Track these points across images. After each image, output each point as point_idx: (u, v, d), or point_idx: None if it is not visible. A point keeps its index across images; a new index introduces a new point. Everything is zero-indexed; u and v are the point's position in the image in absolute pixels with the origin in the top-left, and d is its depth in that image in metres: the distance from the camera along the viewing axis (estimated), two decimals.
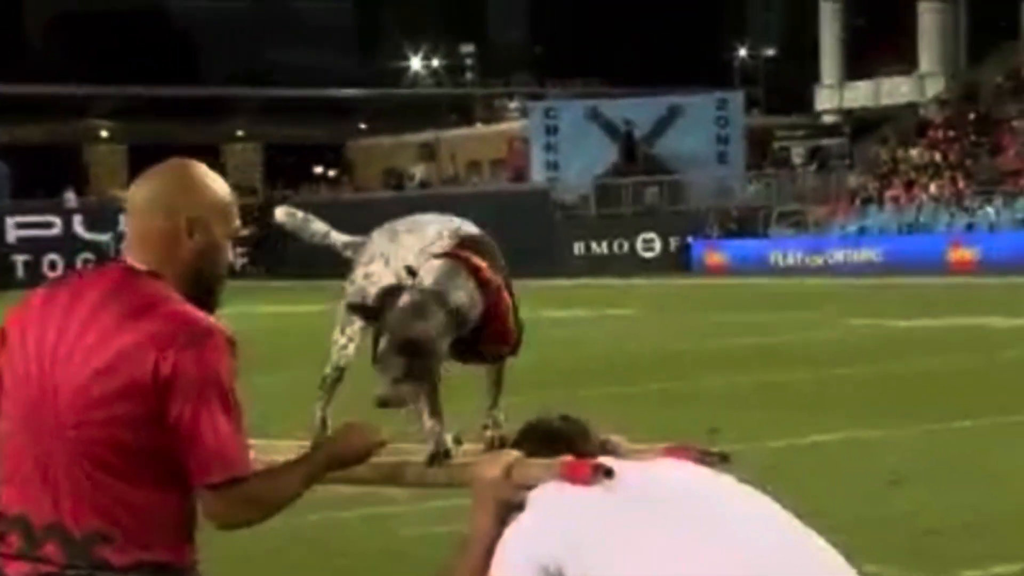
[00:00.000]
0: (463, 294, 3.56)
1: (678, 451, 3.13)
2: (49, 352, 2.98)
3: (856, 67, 54.29)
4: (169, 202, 3.07)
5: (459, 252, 3.64)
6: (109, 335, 2.94)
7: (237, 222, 3.19)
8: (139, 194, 3.11)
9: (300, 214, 4.30)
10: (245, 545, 7.87)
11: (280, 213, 4.29)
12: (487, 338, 3.67)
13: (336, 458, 3.18)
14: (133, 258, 3.07)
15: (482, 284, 3.60)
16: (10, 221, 46.49)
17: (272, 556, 7.77)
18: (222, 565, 7.61)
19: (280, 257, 48.10)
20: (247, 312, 30.28)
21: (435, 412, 3.65)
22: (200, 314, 3.00)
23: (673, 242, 42.82)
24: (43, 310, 3.05)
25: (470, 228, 3.82)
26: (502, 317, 3.67)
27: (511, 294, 3.70)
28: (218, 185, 3.18)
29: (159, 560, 2.96)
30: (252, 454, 3.07)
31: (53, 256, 45.94)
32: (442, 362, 3.61)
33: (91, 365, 2.93)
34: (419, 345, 3.46)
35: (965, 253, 36.72)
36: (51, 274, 43.68)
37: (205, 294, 3.09)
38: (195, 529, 3.03)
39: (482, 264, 3.63)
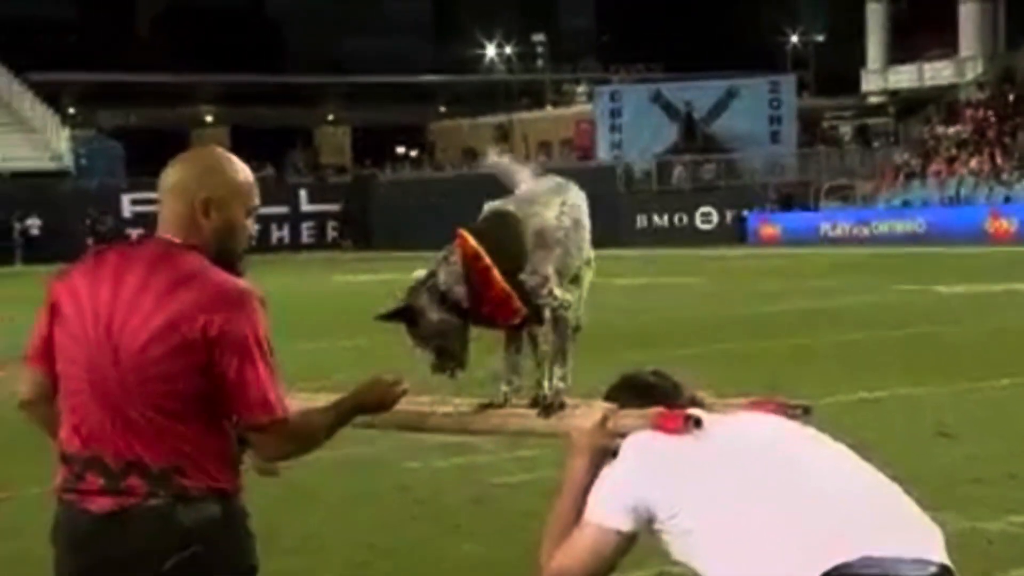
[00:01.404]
0: (445, 274, 3.77)
1: (763, 404, 3.10)
2: (106, 317, 3.17)
3: (900, 51, 53.89)
4: (188, 185, 3.25)
5: (464, 234, 3.84)
6: (161, 301, 3.14)
7: (254, 201, 3.34)
8: (166, 179, 3.29)
9: (507, 160, 4.33)
10: (348, 490, 7.95)
11: (492, 156, 4.31)
12: (485, 310, 3.83)
13: (361, 405, 3.41)
14: (167, 234, 3.26)
15: (468, 265, 3.76)
16: (126, 198, 46.90)
17: (371, 500, 7.85)
18: (323, 510, 7.67)
19: (366, 231, 48.33)
20: (346, 280, 30.40)
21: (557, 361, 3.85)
22: (236, 280, 3.21)
23: (729, 215, 42.67)
24: (93, 279, 3.24)
25: (505, 206, 3.98)
26: (490, 294, 3.80)
27: (532, 272, 3.83)
28: (234, 168, 3.33)
29: (222, 487, 3.19)
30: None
31: None
32: (454, 327, 3.80)
33: (148, 328, 3.13)
34: (412, 314, 3.79)
35: (1003, 224, 36.48)
36: None
37: (227, 266, 3.25)
38: (239, 460, 3.29)
39: (474, 248, 3.79)
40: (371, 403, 3.44)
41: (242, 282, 3.22)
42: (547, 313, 3.87)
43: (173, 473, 3.15)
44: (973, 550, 5.84)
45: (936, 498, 4.69)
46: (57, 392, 3.27)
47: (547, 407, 3.70)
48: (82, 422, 3.21)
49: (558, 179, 4.10)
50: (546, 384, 3.80)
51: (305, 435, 3.31)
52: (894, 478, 2.93)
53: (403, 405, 3.80)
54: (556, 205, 3.94)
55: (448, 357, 3.80)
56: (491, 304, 3.80)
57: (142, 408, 3.16)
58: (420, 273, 3.88)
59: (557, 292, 3.83)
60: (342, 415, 3.39)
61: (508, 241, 3.81)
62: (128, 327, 3.17)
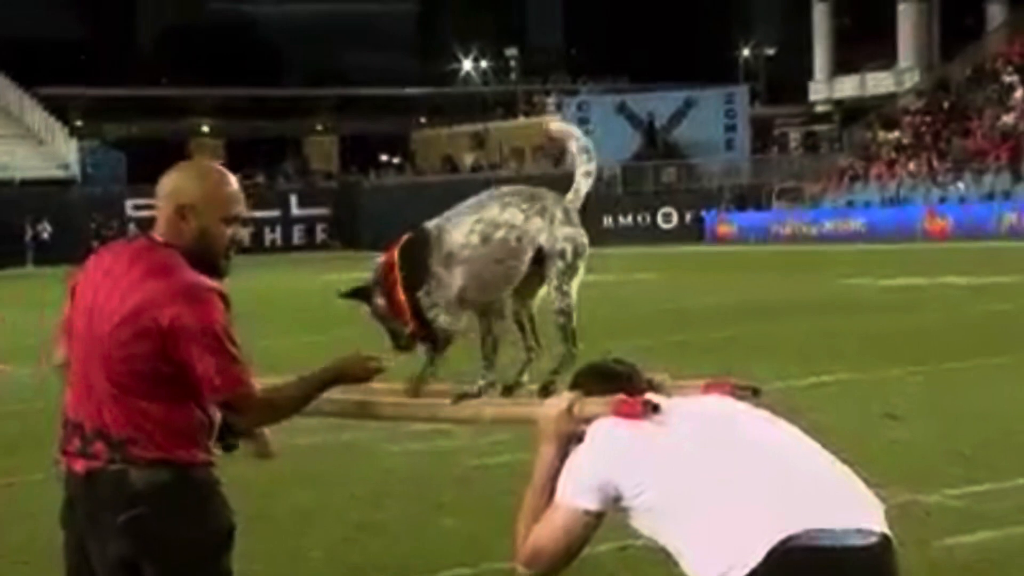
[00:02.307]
0: (371, 274, 3.77)
1: (716, 386, 3.11)
2: (90, 303, 3.42)
3: (843, 63, 54.07)
4: (172, 192, 3.43)
5: (392, 246, 3.80)
6: (131, 292, 3.34)
7: (234, 210, 3.46)
8: (160, 186, 3.47)
9: (567, 127, 4.09)
10: (333, 473, 7.93)
11: (554, 126, 4.07)
12: (391, 310, 3.77)
13: (342, 375, 3.53)
14: (156, 234, 3.45)
15: (383, 274, 3.72)
16: (128, 203, 46.77)
17: (357, 482, 7.81)
18: (311, 491, 7.62)
19: (355, 232, 48.28)
20: (334, 279, 30.33)
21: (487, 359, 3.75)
22: (199, 277, 3.35)
23: (688, 215, 42.77)
24: (92, 272, 3.48)
25: (429, 222, 3.78)
26: (394, 303, 3.72)
27: (426, 292, 3.67)
28: (216, 180, 3.49)
29: (175, 458, 3.35)
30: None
31: None
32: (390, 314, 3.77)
33: (120, 312, 3.33)
34: (367, 294, 3.78)
35: (939, 222, 36.59)
36: None
37: (208, 266, 3.41)
38: (207, 437, 3.43)
39: (391, 260, 3.72)
40: (352, 373, 3.54)
41: (205, 280, 3.36)
42: (439, 334, 3.70)
43: (127, 443, 3.33)
44: (912, 521, 5.87)
45: (881, 474, 4.69)
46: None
47: (461, 396, 3.67)
48: (74, 392, 3.45)
49: (508, 194, 3.70)
50: (524, 377, 3.72)
51: (275, 404, 3.47)
52: (841, 456, 2.93)
53: (382, 396, 3.83)
54: (468, 223, 3.62)
55: (396, 336, 3.76)
56: (397, 311, 3.71)
57: (109, 383, 3.35)
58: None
59: (442, 317, 3.63)
60: (324, 383, 3.53)
61: (415, 257, 3.66)
62: (106, 310, 3.37)
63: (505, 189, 3.73)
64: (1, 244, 42.68)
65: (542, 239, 3.58)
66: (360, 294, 3.81)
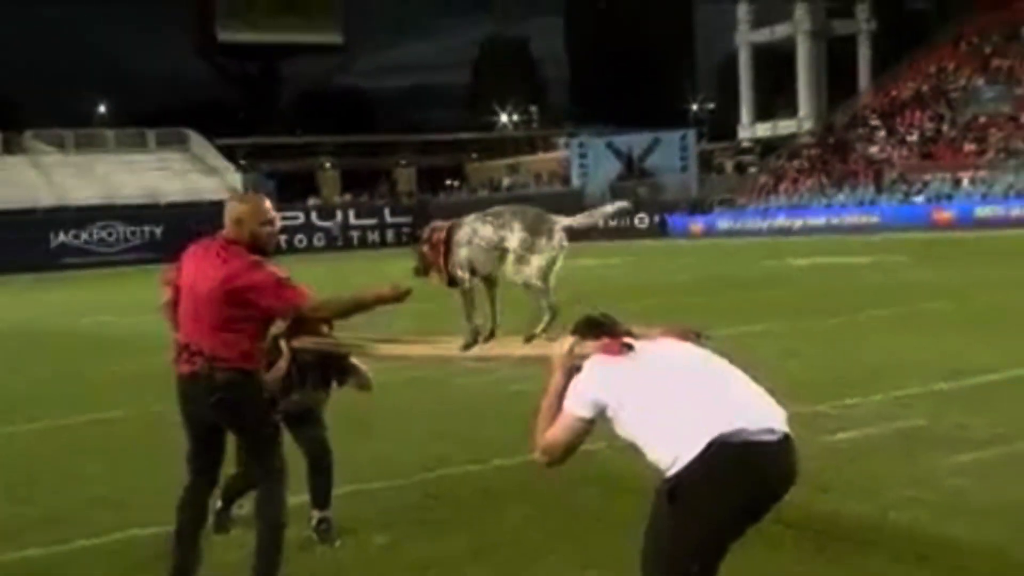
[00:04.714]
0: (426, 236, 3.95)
1: (672, 331, 3.09)
2: (193, 274, 3.78)
3: (762, 114, 53.57)
4: (230, 211, 3.82)
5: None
6: (218, 268, 3.72)
7: (267, 217, 3.81)
8: (227, 206, 3.84)
9: (584, 219, 3.81)
10: (417, 399, 7.84)
11: (568, 223, 3.73)
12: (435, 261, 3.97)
13: (380, 298, 3.82)
14: (227, 235, 3.79)
15: (435, 240, 3.89)
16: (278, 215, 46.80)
17: (433, 407, 7.72)
18: (401, 411, 7.59)
19: None
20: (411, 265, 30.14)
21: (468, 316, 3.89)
22: (254, 257, 3.73)
23: (656, 218, 42.42)
24: (192, 255, 3.85)
25: (459, 221, 3.90)
26: (436, 254, 3.90)
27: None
28: (254, 201, 3.85)
29: (241, 367, 3.72)
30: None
31: (300, 235, 46.12)
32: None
33: (213, 280, 3.70)
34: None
35: (831, 220, 36.24)
36: (299, 247, 44.21)
37: (259, 251, 3.77)
38: (263, 355, 3.87)
39: (440, 232, 3.88)
40: (387, 297, 3.82)
41: (258, 257, 3.74)
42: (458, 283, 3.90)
43: (215, 357, 3.70)
44: (806, 424, 5.82)
45: (784, 392, 4.69)
46: (178, 305, 3.86)
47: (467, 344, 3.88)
48: (183, 326, 3.82)
49: (491, 214, 3.79)
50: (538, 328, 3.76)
51: (324, 305, 3.83)
52: (757, 380, 2.91)
53: (436, 349, 3.98)
54: (467, 228, 3.82)
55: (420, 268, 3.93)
56: (436, 263, 3.89)
57: (205, 322, 3.71)
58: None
59: (458, 273, 3.83)
60: (366, 301, 3.86)
61: (448, 239, 3.86)
62: (203, 279, 3.74)
63: (497, 208, 3.83)
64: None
65: (505, 243, 3.70)
66: (419, 239, 3.98)
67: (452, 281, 3.84)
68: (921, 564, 4.00)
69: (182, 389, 3.78)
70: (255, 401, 3.79)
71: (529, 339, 3.70)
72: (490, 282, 3.86)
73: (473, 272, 3.79)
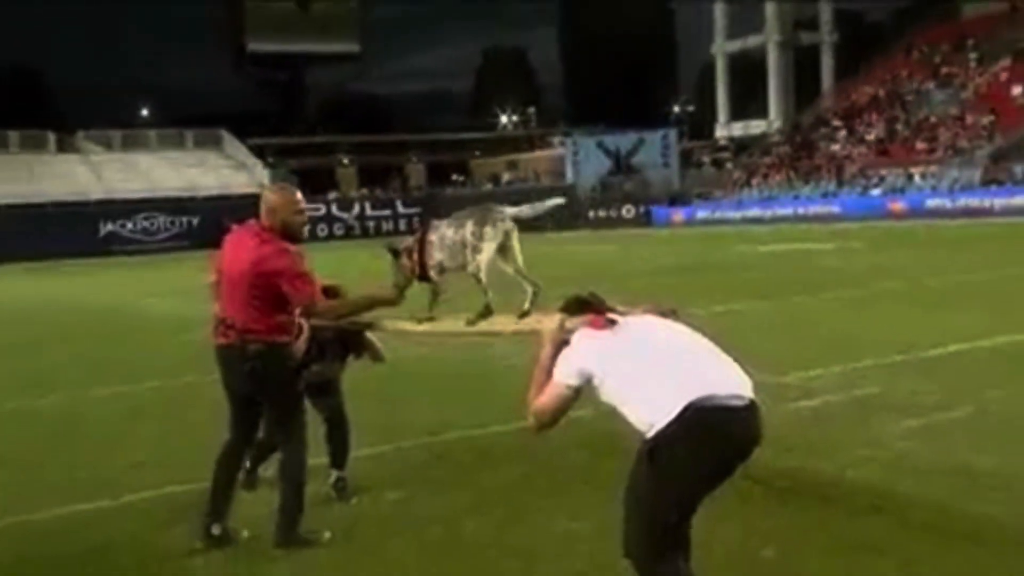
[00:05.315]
0: (408, 243, 4.30)
1: (652, 309, 3.08)
2: (231, 256, 3.80)
3: (737, 114, 53.39)
4: (265, 200, 3.82)
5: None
6: (251, 252, 3.73)
7: (298, 206, 3.81)
8: (262, 196, 3.84)
9: (528, 210, 4.18)
10: (424, 367, 7.81)
11: (514, 212, 4.11)
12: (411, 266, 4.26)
13: (376, 300, 3.95)
14: (262, 222, 3.80)
15: (414, 243, 4.22)
16: None
17: (441, 373, 7.66)
18: (404, 377, 7.56)
19: None
20: None
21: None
22: (285, 244, 3.74)
23: (641, 209, 42.33)
24: (231, 239, 3.86)
25: (436, 224, 4.21)
26: (412, 258, 4.21)
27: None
28: (286, 192, 3.87)
29: (271, 339, 3.75)
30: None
31: (321, 225, 45.96)
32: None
33: (247, 262, 3.72)
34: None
35: (798, 211, 36.17)
36: (321, 235, 44.12)
37: (291, 238, 3.79)
38: (293, 329, 3.85)
39: (415, 238, 4.21)
40: (382, 300, 3.94)
41: (289, 244, 3.74)
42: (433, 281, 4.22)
43: (247, 330, 3.73)
44: (773, 393, 5.84)
45: (750, 362, 4.68)
46: (220, 284, 3.87)
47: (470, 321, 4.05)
48: (221, 303, 3.83)
49: (457, 216, 4.15)
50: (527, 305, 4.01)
51: (328, 308, 3.86)
52: (727, 351, 2.90)
53: (442, 326, 4.06)
54: (439, 231, 4.16)
55: (401, 283, 4.17)
56: (414, 268, 4.18)
57: (240, 299, 3.73)
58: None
59: (432, 274, 4.12)
60: (362, 303, 3.95)
61: (423, 241, 4.18)
62: (239, 261, 3.76)
63: (461, 212, 4.15)
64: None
65: (464, 239, 4.03)
66: (397, 254, 4.26)
67: (423, 277, 4.10)
68: (874, 515, 4.03)
69: (219, 358, 3.83)
70: (282, 371, 3.80)
71: (522, 316, 3.74)
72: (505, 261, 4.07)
73: (442, 271, 4.12)
